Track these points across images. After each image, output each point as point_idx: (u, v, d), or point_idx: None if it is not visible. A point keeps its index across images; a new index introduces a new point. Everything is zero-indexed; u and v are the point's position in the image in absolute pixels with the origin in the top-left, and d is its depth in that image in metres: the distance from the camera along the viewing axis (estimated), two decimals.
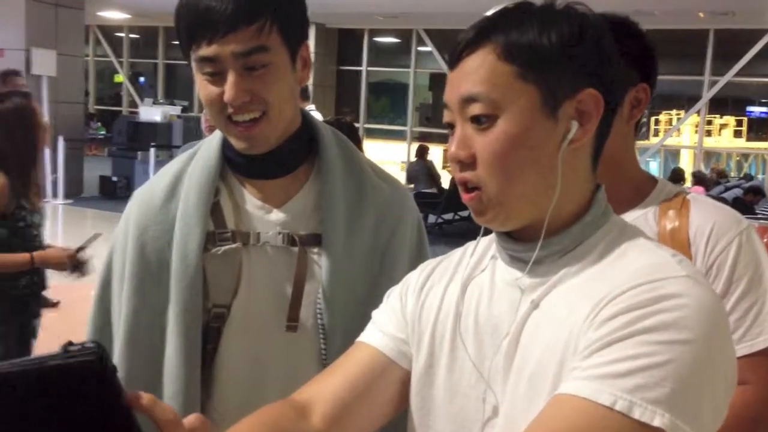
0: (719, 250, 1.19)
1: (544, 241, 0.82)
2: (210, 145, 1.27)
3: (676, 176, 9.88)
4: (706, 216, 1.22)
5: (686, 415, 0.69)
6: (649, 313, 0.72)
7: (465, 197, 0.84)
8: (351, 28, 15.08)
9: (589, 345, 0.73)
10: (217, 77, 1.13)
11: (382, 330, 0.96)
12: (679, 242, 1.19)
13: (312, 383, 0.94)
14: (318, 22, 14.16)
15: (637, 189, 1.26)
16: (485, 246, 0.94)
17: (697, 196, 1.29)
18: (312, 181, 1.26)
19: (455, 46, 0.84)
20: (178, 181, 1.26)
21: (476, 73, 0.81)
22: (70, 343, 0.55)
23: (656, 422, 0.67)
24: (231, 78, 1.11)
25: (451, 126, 0.85)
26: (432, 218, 9.24)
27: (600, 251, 0.82)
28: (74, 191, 10.44)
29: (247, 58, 1.11)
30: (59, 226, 8.99)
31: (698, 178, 10.29)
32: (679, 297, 0.73)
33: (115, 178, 10.86)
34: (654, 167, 14.38)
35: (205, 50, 1.11)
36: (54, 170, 9.95)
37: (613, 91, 0.84)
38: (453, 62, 0.84)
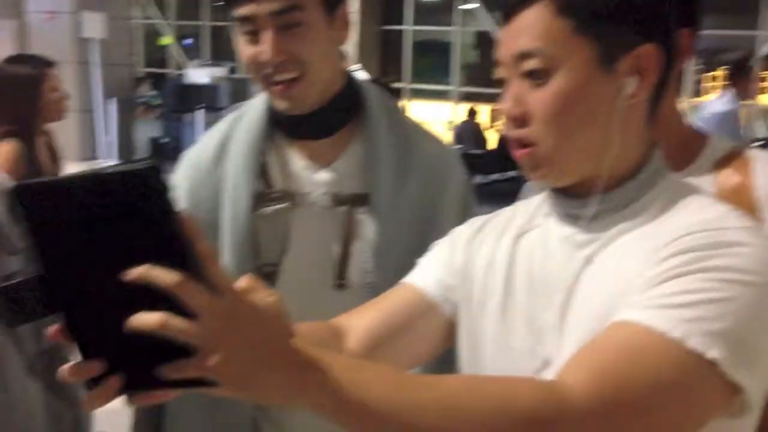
0: None
1: (599, 197, 0.82)
2: (256, 106, 1.29)
3: None
4: None
5: (742, 354, 0.68)
6: (711, 255, 0.72)
7: (517, 153, 0.84)
8: None
9: (648, 280, 0.73)
10: (255, 37, 1.15)
11: (427, 274, 0.97)
12: (743, 205, 1.08)
13: (352, 313, 0.95)
14: None
15: (684, 146, 1.15)
16: (537, 204, 0.94)
17: (759, 152, 1.18)
18: (358, 141, 1.27)
19: (509, 1, 0.83)
20: (225, 143, 1.28)
21: (532, 29, 0.80)
22: (134, 159, 0.56)
23: (710, 354, 0.67)
24: (267, 37, 1.13)
25: (502, 83, 0.84)
26: (478, 178, 9.20)
27: (656, 207, 0.81)
28: (126, 153, 10.64)
29: (282, 16, 1.12)
30: None
31: None
32: (741, 245, 0.72)
33: (165, 140, 11.04)
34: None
35: (244, 9, 1.14)
36: (107, 132, 10.17)
37: (672, 45, 0.83)
38: (507, 17, 0.83)
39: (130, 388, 0.59)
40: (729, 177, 1.13)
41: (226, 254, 1.23)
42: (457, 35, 14.38)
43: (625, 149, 0.82)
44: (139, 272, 0.55)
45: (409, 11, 14.84)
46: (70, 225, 0.56)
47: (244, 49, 1.18)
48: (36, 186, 0.56)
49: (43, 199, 0.55)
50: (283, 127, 1.27)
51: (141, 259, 0.55)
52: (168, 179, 0.56)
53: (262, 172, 1.25)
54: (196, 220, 0.56)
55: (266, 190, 1.25)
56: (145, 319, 0.55)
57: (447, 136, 13.03)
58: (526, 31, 0.80)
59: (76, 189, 0.55)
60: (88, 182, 0.55)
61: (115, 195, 0.55)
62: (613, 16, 0.79)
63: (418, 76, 15.21)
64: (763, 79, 13.45)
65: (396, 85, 11.26)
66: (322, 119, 1.24)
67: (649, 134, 0.85)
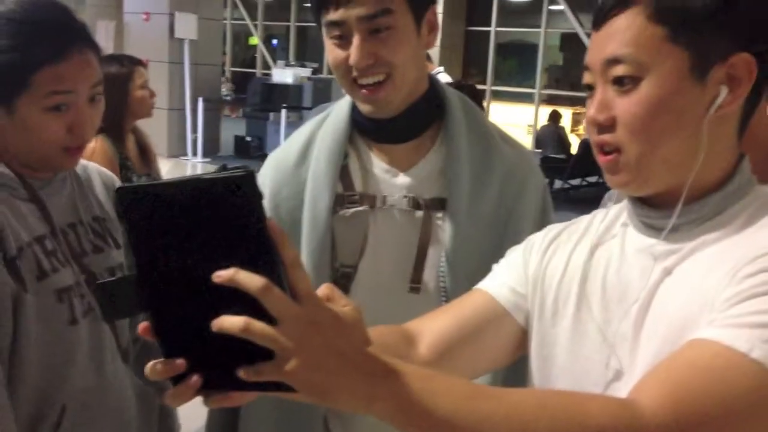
0: None
1: (682, 208, 0.80)
2: (340, 109, 1.31)
3: None
4: None
5: None
6: None
7: (602, 159, 0.83)
8: None
9: (728, 299, 0.72)
10: (343, 41, 1.17)
11: (502, 281, 0.97)
12: None
13: (424, 317, 0.96)
14: None
15: None
16: (615, 213, 0.93)
17: None
18: (438, 146, 1.28)
19: (602, 6, 0.82)
20: (309, 144, 1.31)
21: (623, 34, 0.79)
22: (225, 167, 0.58)
23: None
24: (356, 41, 1.15)
25: (590, 88, 0.84)
26: (558, 183, 9.03)
27: (741, 221, 0.79)
28: (211, 150, 10.97)
29: (371, 21, 1.14)
30: None
31: None
32: None
33: (248, 138, 11.33)
34: None
35: (333, 14, 1.16)
36: (194, 130, 10.52)
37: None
38: (598, 22, 0.83)
39: (208, 388, 0.61)
40: None
41: (305, 254, 1.26)
42: (543, 37, 14.15)
43: (712, 160, 0.80)
44: (227, 275, 0.57)
45: (494, 12, 14.70)
46: (164, 227, 0.59)
47: (332, 52, 1.20)
48: (135, 189, 0.59)
49: (141, 203, 0.59)
50: (365, 130, 1.29)
51: (230, 263, 0.58)
52: (260, 187, 0.58)
53: (343, 174, 1.28)
54: (279, 222, 0.58)
55: (346, 192, 1.27)
56: (229, 322, 0.57)
57: (528, 140, 12.87)
58: (616, 37, 0.80)
59: (173, 194, 0.58)
60: (186, 188, 0.58)
61: (209, 200, 0.57)
62: (707, 25, 0.77)
63: (501, 77, 15.06)
64: None
65: (478, 86, 11.19)
66: (404, 124, 1.26)
67: (738, 146, 0.83)
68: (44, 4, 1.17)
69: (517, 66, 15.70)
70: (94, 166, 1.39)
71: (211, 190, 0.58)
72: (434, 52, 12.14)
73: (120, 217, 0.61)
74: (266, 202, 1.33)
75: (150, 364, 0.61)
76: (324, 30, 1.20)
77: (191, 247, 0.59)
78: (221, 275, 0.57)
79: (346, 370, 0.61)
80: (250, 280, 0.57)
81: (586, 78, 0.84)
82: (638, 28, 0.79)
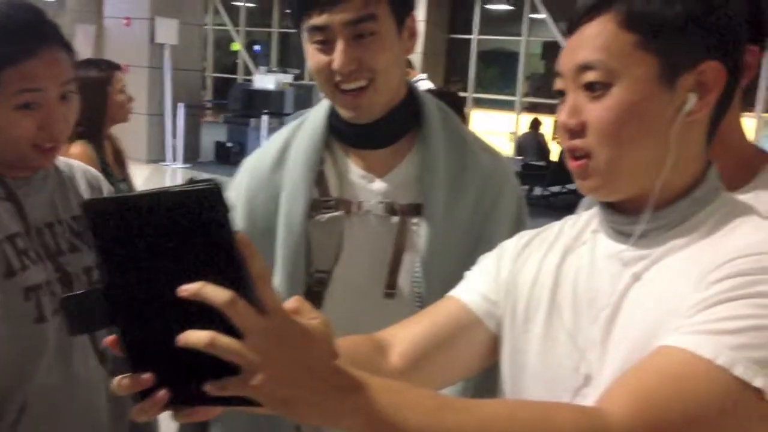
0: None
1: (651, 214, 0.81)
2: (317, 114, 1.31)
3: None
4: None
5: None
6: (760, 280, 0.71)
7: (572, 165, 0.84)
8: None
9: (694, 305, 0.72)
10: (326, 46, 1.17)
11: (474, 289, 0.97)
12: None
13: (396, 326, 0.96)
14: None
15: (744, 165, 1.12)
16: (586, 220, 0.93)
17: None
18: (414, 152, 1.28)
19: (574, 12, 0.83)
20: (285, 149, 1.31)
21: (595, 41, 0.80)
22: (197, 179, 0.58)
23: (757, 382, 0.66)
24: (340, 46, 1.15)
25: (561, 94, 0.84)
26: (539, 190, 9.09)
27: (708, 227, 0.80)
28: (192, 156, 10.92)
29: (356, 26, 1.14)
30: None
31: None
32: None
33: (229, 144, 11.28)
34: None
35: (316, 19, 1.15)
36: (174, 135, 10.45)
37: (737, 63, 0.82)
38: (571, 28, 0.84)
39: (176, 403, 0.60)
40: None
41: (280, 259, 1.26)
42: (524, 44, 14.25)
43: (680, 167, 0.81)
44: (193, 288, 0.56)
45: (476, 20, 14.79)
46: (131, 241, 0.58)
47: (314, 57, 1.20)
48: (102, 202, 0.59)
49: (108, 216, 0.58)
50: (342, 136, 1.29)
51: (197, 277, 0.57)
52: (228, 200, 0.58)
53: (318, 180, 1.28)
54: (254, 227, 0.58)
55: (322, 197, 1.27)
56: (195, 337, 0.57)
57: (509, 147, 12.93)
58: (588, 43, 0.80)
59: (139, 207, 0.58)
60: (153, 201, 0.57)
61: (177, 214, 0.57)
62: (677, 33, 0.78)
63: (483, 85, 15.14)
64: None
65: (460, 94, 11.21)
66: (383, 129, 1.26)
67: (706, 152, 0.84)
68: (14, 4, 1.17)
69: (498, 74, 15.79)
70: (80, 165, 1.38)
71: (177, 204, 0.57)
72: (416, 58, 12.20)
73: (87, 230, 0.60)
74: (241, 207, 1.34)
75: (116, 379, 0.60)
76: (306, 35, 1.20)
77: (158, 260, 0.58)
78: (187, 289, 0.56)
79: (312, 384, 0.60)
80: (215, 294, 0.56)
81: (558, 84, 0.85)
82: (610, 35, 0.79)
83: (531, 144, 10.40)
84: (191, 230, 0.57)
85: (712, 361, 0.67)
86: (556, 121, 0.86)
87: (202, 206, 0.57)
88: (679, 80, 0.79)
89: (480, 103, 14.88)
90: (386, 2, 1.16)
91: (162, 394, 0.59)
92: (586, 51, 0.80)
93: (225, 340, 0.57)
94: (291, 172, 1.28)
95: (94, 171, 1.40)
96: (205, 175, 10.21)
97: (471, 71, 14.83)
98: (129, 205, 0.58)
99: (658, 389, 0.68)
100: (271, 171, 1.30)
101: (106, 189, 1.39)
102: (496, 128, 13.60)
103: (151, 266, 0.58)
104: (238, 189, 1.33)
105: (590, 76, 0.80)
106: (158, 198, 0.57)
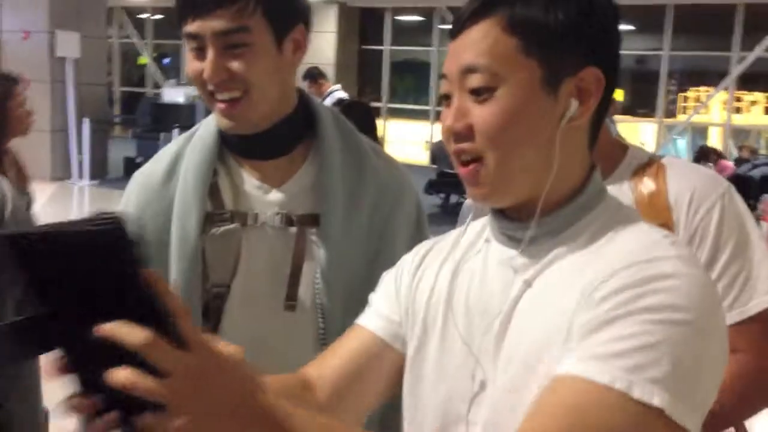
0: (702, 215, 1.16)
1: (539, 219, 0.81)
2: (208, 125, 1.28)
3: (703, 154, 9.71)
4: (685, 180, 1.19)
5: (683, 393, 0.68)
6: (643, 293, 0.71)
7: (462, 171, 0.83)
8: (373, 7, 14.96)
9: (584, 324, 0.73)
10: (201, 53, 1.15)
11: (377, 313, 0.96)
12: (658, 209, 1.16)
13: (314, 362, 0.96)
14: (339, 1, 14.08)
15: (606, 157, 1.18)
16: (479, 229, 0.93)
17: (672, 159, 1.25)
18: (310, 162, 1.26)
19: (460, 16, 0.83)
20: (176, 161, 1.27)
21: (479, 44, 0.80)
22: (101, 213, 0.55)
23: (655, 401, 0.67)
24: (209, 56, 1.14)
25: (447, 97, 0.84)
26: (454, 198, 9.22)
27: (592, 232, 0.81)
28: (99, 172, 10.56)
29: (227, 36, 1.12)
30: (85, 206, 9.11)
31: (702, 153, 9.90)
32: (671, 277, 0.72)
33: (139, 159, 10.96)
34: (682, 145, 14.16)
35: (190, 26, 1.14)
36: (79, 151, 10.07)
37: (615, 69, 0.83)
38: (455, 32, 0.83)
39: (125, 426, 0.58)
40: (646, 184, 1.19)
41: (174, 274, 1.21)
42: (435, 55, 14.47)
43: (565, 172, 0.81)
44: (108, 329, 0.54)
45: (387, 31, 14.94)
46: (38, 277, 0.55)
47: (190, 64, 1.18)
48: (5, 238, 0.55)
49: (13, 252, 0.54)
50: (234, 146, 1.26)
51: (113, 315, 0.55)
52: (135, 235, 0.55)
53: (212, 192, 1.24)
54: (146, 241, 0.55)
55: (216, 210, 1.23)
56: (118, 376, 0.54)
57: (425, 156, 13.09)
58: (472, 47, 0.80)
59: (42, 245, 0.54)
60: (56, 239, 0.54)
61: (79, 254, 0.54)
62: (558, 40, 0.79)
63: (397, 95, 15.29)
64: (738, 99, 13.67)
65: (374, 104, 11.30)
66: (273, 139, 1.23)
67: (590, 157, 0.85)
68: None
69: (412, 84, 15.97)
70: None
71: (79, 244, 0.54)
72: (329, 70, 12.18)
73: None
74: (132, 220, 1.28)
75: (67, 398, 0.58)
76: (185, 41, 1.18)
77: (72, 297, 0.55)
78: (103, 329, 0.54)
79: (240, 420, 0.59)
80: (131, 334, 0.54)
81: (444, 87, 0.84)
82: (493, 39, 0.79)
83: (444, 152, 10.45)
84: (97, 270, 0.54)
85: (611, 387, 0.68)
86: (442, 126, 0.85)
87: (105, 246, 0.54)
88: (561, 86, 0.79)
89: (395, 113, 15.02)
90: (262, 15, 1.13)
91: (110, 417, 0.57)
92: (471, 54, 0.80)
93: (145, 381, 0.54)
94: (183, 184, 1.24)
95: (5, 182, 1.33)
96: (114, 193, 9.90)
97: (384, 82, 14.95)
98: (32, 242, 0.55)
99: (563, 422, 0.68)
100: (162, 183, 1.26)
101: (10, 203, 1.32)
102: (412, 137, 13.74)
103: (66, 303, 0.56)
104: (127, 203, 1.28)
105: (475, 80, 0.79)
106: (59, 237, 0.54)
